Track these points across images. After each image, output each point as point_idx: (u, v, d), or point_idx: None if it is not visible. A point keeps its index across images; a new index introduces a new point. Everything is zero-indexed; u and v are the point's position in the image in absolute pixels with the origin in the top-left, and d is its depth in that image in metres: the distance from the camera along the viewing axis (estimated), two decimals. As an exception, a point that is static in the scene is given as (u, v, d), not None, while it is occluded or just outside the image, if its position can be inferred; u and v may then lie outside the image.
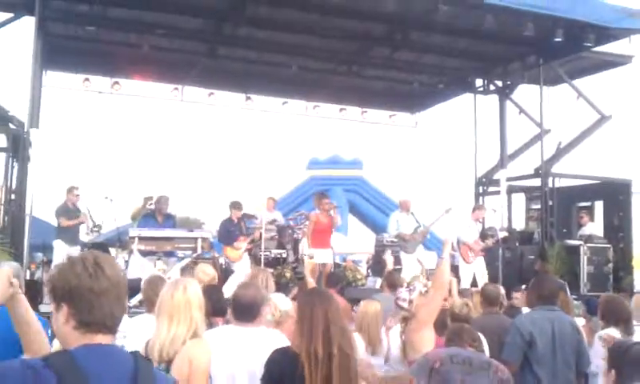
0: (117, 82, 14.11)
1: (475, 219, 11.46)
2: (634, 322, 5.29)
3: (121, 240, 10.85)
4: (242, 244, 11.06)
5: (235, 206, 11.33)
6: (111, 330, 1.87)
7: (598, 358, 4.85)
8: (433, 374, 3.62)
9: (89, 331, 1.83)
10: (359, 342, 5.22)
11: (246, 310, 4.16)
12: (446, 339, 4.15)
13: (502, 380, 3.84)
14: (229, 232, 11.14)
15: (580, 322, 6.27)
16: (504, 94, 14.46)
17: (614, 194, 13.32)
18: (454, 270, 10.86)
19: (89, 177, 13.94)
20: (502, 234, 11.85)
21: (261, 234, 11.72)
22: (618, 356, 3.11)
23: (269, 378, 3.40)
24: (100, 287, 1.83)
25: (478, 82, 15.00)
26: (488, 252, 11.28)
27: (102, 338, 1.84)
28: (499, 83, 14.57)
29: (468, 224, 11.30)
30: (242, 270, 10.72)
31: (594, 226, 13.01)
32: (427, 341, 4.40)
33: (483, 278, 10.65)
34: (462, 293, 8.11)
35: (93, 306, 1.82)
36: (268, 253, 12.22)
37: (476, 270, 10.97)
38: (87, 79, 13.99)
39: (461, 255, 11.10)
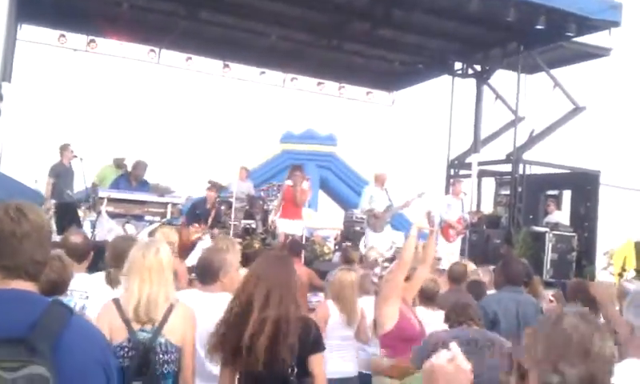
0: (93, 41, 13.84)
1: (455, 195, 11.49)
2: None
3: (89, 201, 10.69)
4: (199, 231, 10.84)
5: (212, 188, 11.14)
6: (33, 277, 1.87)
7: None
8: None
9: (8, 276, 1.83)
10: (334, 310, 5.27)
11: (207, 273, 4.18)
12: (446, 317, 4.19)
13: (504, 354, 3.94)
14: (194, 213, 10.99)
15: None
16: (482, 78, 14.54)
17: (582, 184, 13.53)
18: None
19: (61, 134, 13.64)
20: (477, 216, 11.99)
21: (230, 202, 11.66)
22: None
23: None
24: (22, 231, 1.83)
25: (457, 65, 15.06)
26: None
27: (20, 284, 1.84)
28: (478, 68, 14.64)
29: (448, 202, 11.33)
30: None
31: (561, 215, 13.21)
32: (389, 316, 4.46)
33: (454, 257, 10.75)
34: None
35: (15, 250, 1.82)
36: (237, 223, 12.19)
37: (453, 250, 11.03)
38: (63, 35, 13.70)
39: (442, 234, 11.12)
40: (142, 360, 3.28)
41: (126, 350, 3.30)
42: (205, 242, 10.78)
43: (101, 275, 4.51)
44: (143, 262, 3.43)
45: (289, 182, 11.02)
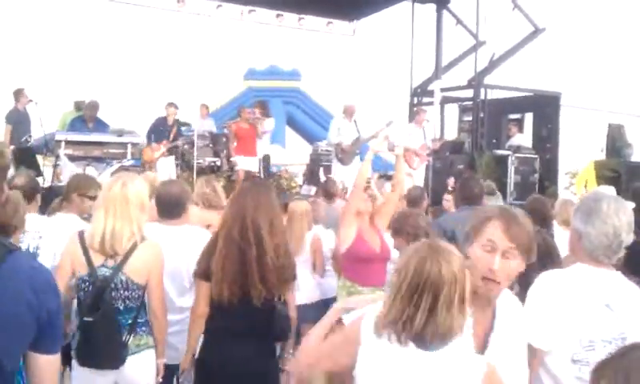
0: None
1: (417, 124, 11.49)
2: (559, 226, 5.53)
3: (48, 146, 10.47)
4: (161, 148, 10.79)
5: (171, 105, 11.04)
6: None
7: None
8: None
9: None
10: None
11: (169, 207, 4.13)
12: (407, 238, 4.24)
13: None
14: (157, 130, 10.91)
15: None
16: (442, 3, 14.36)
17: (543, 106, 13.65)
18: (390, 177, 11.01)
19: (11, 80, 13.22)
20: (439, 143, 12.03)
21: (193, 142, 11.56)
22: None
23: (201, 271, 3.44)
24: None
25: (417, -9, 14.83)
26: (419, 160, 11.46)
27: None
28: (437, -8, 14.44)
29: (409, 131, 11.34)
30: (164, 176, 10.58)
31: (523, 137, 13.36)
32: (343, 238, 4.58)
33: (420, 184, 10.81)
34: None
35: None
36: (201, 161, 12.09)
37: (416, 176, 11.09)
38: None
39: (407, 162, 11.15)
40: (97, 296, 3.27)
41: (87, 284, 3.28)
42: (167, 160, 10.83)
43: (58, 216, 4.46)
44: (108, 195, 3.38)
45: (237, 120, 11.09)
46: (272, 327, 3.37)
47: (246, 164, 10.95)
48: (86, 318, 3.25)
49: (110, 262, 3.31)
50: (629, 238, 2.53)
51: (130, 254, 3.32)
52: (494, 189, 9.38)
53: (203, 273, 3.40)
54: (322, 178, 11.59)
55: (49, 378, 1.98)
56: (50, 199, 5.24)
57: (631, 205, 2.76)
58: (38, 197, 4.54)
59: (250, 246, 3.30)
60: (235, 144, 11.06)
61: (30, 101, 10.47)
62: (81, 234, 3.38)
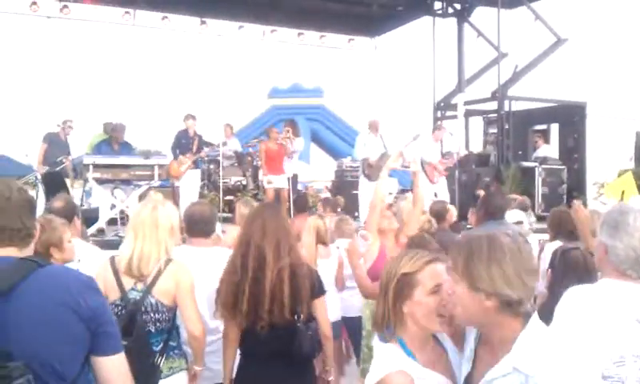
0: (66, 6, 13.57)
1: (435, 140, 11.47)
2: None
3: (76, 169, 10.66)
4: (187, 162, 10.90)
5: (188, 117, 11.13)
6: (15, 243, 1.99)
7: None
8: None
9: None
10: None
11: (198, 225, 4.16)
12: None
13: None
14: (181, 144, 11.01)
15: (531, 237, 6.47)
16: (462, 16, 14.37)
17: (569, 116, 13.53)
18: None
19: (41, 105, 13.51)
20: (463, 152, 11.98)
21: (218, 162, 11.67)
22: (555, 258, 3.22)
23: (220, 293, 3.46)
24: None
25: (437, 5, 14.86)
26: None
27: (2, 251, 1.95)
28: (458, 6, 14.45)
29: (429, 145, 11.32)
30: (189, 190, 10.68)
31: (549, 149, 13.25)
32: (367, 256, 4.57)
33: (445, 198, 10.78)
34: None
35: None
36: (227, 180, 12.20)
37: (438, 190, 11.06)
38: (34, 3, 13.41)
39: (426, 175, 11.14)
40: (130, 320, 3.30)
41: (120, 308, 3.32)
42: (194, 174, 10.97)
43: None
44: (137, 219, 3.44)
45: (265, 139, 11.18)
46: (295, 348, 3.37)
47: (275, 183, 11.04)
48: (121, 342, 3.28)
49: (140, 285, 3.34)
50: (658, 250, 2.49)
51: (158, 277, 3.34)
52: (527, 204, 9.33)
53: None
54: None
55: (118, 380, 2.04)
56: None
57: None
58: (77, 220, 4.59)
59: (245, 274, 3.34)
60: (265, 163, 11.15)
61: (71, 128, 10.87)
62: (112, 259, 3.43)
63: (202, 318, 3.72)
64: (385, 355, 2.22)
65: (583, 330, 2.44)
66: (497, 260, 1.94)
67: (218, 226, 4.66)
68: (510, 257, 1.94)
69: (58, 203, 4.64)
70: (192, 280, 3.46)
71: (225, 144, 12.06)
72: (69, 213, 4.50)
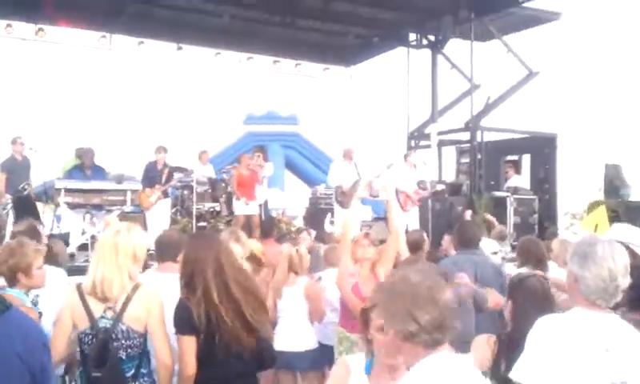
0: (41, 29, 13.50)
1: (410, 165, 11.51)
2: (555, 265, 5.51)
3: (47, 193, 10.50)
4: (156, 192, 10.80)
5: (159, 150, 11.07)
6: None
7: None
8: None
9: None
10: None
11: (166, 251, 4.15)
12: None
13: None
14: (148, 177, 10.93)
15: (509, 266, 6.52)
16: (436, 48, 14.59)
17: (540, 147, 13.75)
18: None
19: (15, 128, 13.34)
20: (440, 187, 12.06)
21: (192, 188, 11.62)
22: (514, 287, 3.25)
23: (184, 325, 3.38)
24: None
25: (412, 37, 15.09)
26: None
27: None
28: (432, 37, 14.69)
29: (403, 172, 11.36)
30: (158, 220, 10.56)
31: (520, 179, 13.43)
32: (338, 287, 4.58)
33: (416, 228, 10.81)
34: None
35: None
36: (201, 206, 12.13)
37: (409, 219, 11.10)
38: (9, 25, 13.32)
39: (399, 203, 11.16)
40: (102, 349, 3.25)
41: (90, 337, 3.27)
42: (164, 203, 10.87)
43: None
44: (99, 242, 3.43)
45: (237, 165, 11.22)
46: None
47: (245, 209, 11.05)
48: (94, 373, 3.22)
49: (109, 313, 3.29)
50: (625, 281, 2.54)
51: (128, 303, 3.30)
52: (505, 234, 9.42)
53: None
54: (327, 223, 11.62)
55: None
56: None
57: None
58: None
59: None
60: (237, 189, 11.19)
61: (30, 149, 10.49)
62: (78, 286, 3.38)
63: (171, 344, 3.67)
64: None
65: (553, 359, 2.47)
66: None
67: None
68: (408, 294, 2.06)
69: (19, 227, 4.61)
70: (162, 307, 3.43)
71: (191, 173, 11.91)
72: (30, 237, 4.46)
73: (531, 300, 3.13)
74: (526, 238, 6.29)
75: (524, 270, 4.91)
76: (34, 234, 4.56)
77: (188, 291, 3.34)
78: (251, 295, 3.40)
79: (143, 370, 3.39)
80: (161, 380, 3.45)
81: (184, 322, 3.31)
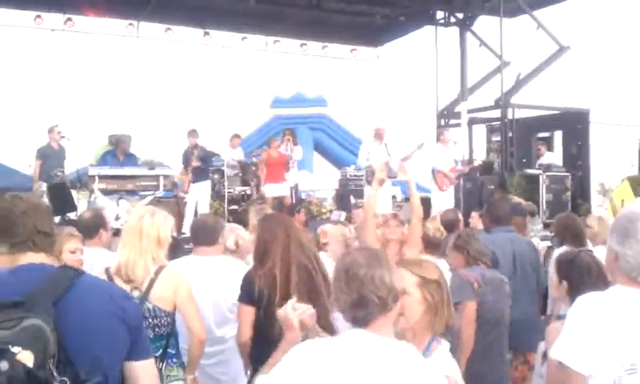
0: (70, 19, 13.66)
1: (444, 144, 11.40)
2: (591, 244, 5.45)
3: (81, 180, 10.67)
4: (188, 173, 10.92)
5: (190, 133, 11.15)
6: (42, 248, 2.00)
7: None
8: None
9: (18, 251, 1.98)
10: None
11: (201, 235, 4.20)
12: (467, 259, 4.28)
13: (508, 292, 4.19)
14: (186, 159, 11.05)
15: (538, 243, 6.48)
16: (464, 25, 14.41)
17: (572, 123, 13.53)
18: (426, 200, 11.01)
19: (46, 117, 13.56)
20: (476, 163, 11.95)
21: (223, 172, 11.70)
22: (566, 266, 3.21)
23: (245, 295, 3.43)
24: (19, 210, 1.98)
25: (439, 15, 14.92)
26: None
27: (31, 257, 1.97)
28: (460, 15, 14.50)
29: (437, 152, 11.26)
30: (194, 201, 10.60)
31: (553, 156, 13.24)
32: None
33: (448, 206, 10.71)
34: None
35: (17, 226, 1.97)
36: (232, 190, 12.22)
37: (446, 199, 11.00)
38: (39, 16, 13.50)
39: (436, 183, 11.09)
40: None
41: None
42: (204, 186, 10.92)
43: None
44: (126, 227, 3.51)
45: (266, 148, 11.22)
46: None
47: (275, 191, 11.09)
48: None
49: (136, 292, 3.35)
50: (669, 257, 2.49)
51: (153, 283, 3.37)
52: (535, 209, 9.31)
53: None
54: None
55: (152, 382, 2.09)
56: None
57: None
58: (103, 232, 4.63)
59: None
60: (265, 172, 11.21)
61: (63, 137, 10.66)
62: (107, 270, 3.46)
63: (208, 326, 3.73)
64: None
65: (595, 338, 2.45)
66: None
67: (232, 236, 4.67)
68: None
69: (86, 214, 4.75)
70: (189, 285, 3.48)
71: (234, 156, 12.03)
72: (92, 224, 4.57)
73: (587, 277, 3.09)
74: (563, 214, 6.24)
75: (564, 248, 4.87)
76: (98, 221, 4.69)
77: (257, 265, 3.42)
78: (311, 277, 3.41)
79: (171, 351, 3.45)
80: (193, 354, 3.51)
81: (245, 292, 3.40)
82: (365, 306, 2.07)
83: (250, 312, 3.36)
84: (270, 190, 11.17)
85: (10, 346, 1.69)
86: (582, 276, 3.10)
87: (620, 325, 2.44)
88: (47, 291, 1.84)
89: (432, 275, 2.57)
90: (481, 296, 4.03)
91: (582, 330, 2.48)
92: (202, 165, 10.74)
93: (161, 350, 3.39)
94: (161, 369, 3.35)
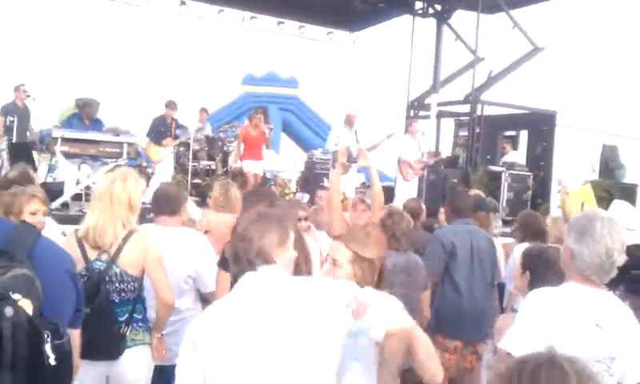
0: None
1: (412, 135, 11.48)
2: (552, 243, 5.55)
3: (43, 142, 10.45)
4: (169, 147, 10.88)
5: (170, 105, 11.08)
6: None
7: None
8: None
9: None
10: None
11: (162, 204, 4.16)
12: (390, 241, 4.27)
13: (423, 280, 4.13)
14: (158, 131, 10.94)
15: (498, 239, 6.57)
16: (442, 18, 14.47)
17: (538, 124, 13.73)
18: (389, 189, 11.09)
19: (13, 75, 13.20)
20: (440, 156, 12.05)
21: (188, 143, 11.59)
22: (533, 259, 3.27)
23: (222, 261, 3.51)
24: None
25: (418, 5, 14.94)
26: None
27: None
28: (438, 7, 14.55)
29: (407, 142, 11.34)
30: (164, 173, 10.65)
31: (517, 155, 13.44)
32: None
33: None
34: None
35: None
36: (196, 164, 12.11)
37: (410, 189, 11.10)
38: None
39: (401, 173, 11.19)
40: (94, 289, 3.29)
41: (85, 278, 3.31)
42: (165, 167, 10.91)
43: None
44: (96, 191, 3.46)
45: (247, 123, 11.10)
46: None
47: (253, 168, 11.07)
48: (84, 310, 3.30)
49: (104, 256, 3.35)
50: (621, 258, 2.55)
51: (122, 247, 3.36)
52: (496, 206, 9.45)
53: None
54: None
55: (77, 352, 2.15)
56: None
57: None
58: None
59: None
60: (242, 148, 11.16)
61: (28, 96, 10.44)
62: (75, 232, 3.44)
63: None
64: None
65: (544, 331, 2.50)
66: None
67: (197, 210, 4.63)
68: None
69: (13, 173, 4.63)
70: (159, 250, 3.46)
71: (201, 130, 11.99)
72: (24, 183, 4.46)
73: (551, 272, 3.15)
74: (526, 212, 6.34)
75: (525, 245, 4.96)
76: (27, 180, 4.56)
77: None
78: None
79: (137, 316, 3.45)
80: (160, 317, 3.51)
81: (222, 258, 3.46)
82: (238, 262, 2.20)
83: (226, 277, 3.36)
84: (248, 167, 11.14)
85: (10, 293, 1.73)
86: (547, 270, 3.16)
87: (570, 321, 2.50)
88: (19, 243, 1.88)
89: (367, 254, 2.57)
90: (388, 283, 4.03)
91: (531, 323, 2.53)
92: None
93: (127, 315, 3.39)
94: (126, 333, 3.35)
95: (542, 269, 3.20)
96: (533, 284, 3.16)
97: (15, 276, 1.77)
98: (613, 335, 2.48)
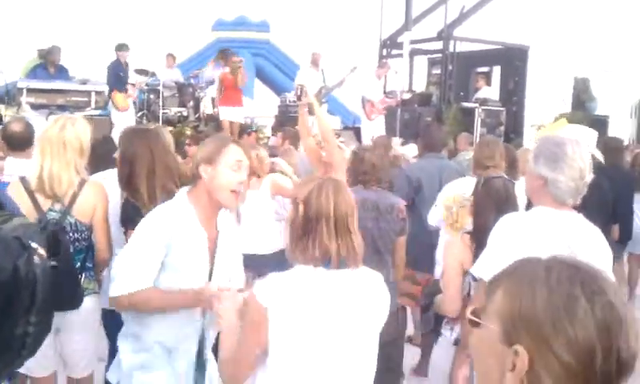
0: None
1: (378, 77, 11.50)
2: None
3: (9, 94, 10.20)
4: (133, 92, 10.67)
5: (122, 47, 10.77)
6: None
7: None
8: None
9: None
10: None
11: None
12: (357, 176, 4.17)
13: (403, 219, 4.04)
14: (117, 76, 10.68)
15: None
16: (413, -47, 14.20)
17: (511, 59, 13.72)
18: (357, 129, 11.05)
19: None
20: (406, 96, 12.02)
21: (158, 90, 11.40)
22: (478, 186, 3.27)
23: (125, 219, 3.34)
24: None
25: (389, -61, 14.64)
26: (388, 112, 11.49)
27: None
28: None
29: (371, 82, 11.33)
30: (126, 121, 10.42)
31: (490, 90, 13.45)
32: None
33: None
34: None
35: None
36: (167, 111, 11.94)
37: (376, 128, 11.11)
38: None
39: (365, 112, 11.22)
40: (54, 239, 3.21)
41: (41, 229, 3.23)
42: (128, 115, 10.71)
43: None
44: (44, 136, 3.28)
45: (226, 69, 10.81)
46: None
47: (231, 114, 10.82)
48: (51, 263, 3.21)
49: (57, 206, 3.24)
50: (590, 177, 2.56)
51: (76, 197, 3.25)
52: (472, 141, 9.51)
53: None
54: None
55: None
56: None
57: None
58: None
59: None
60: (222, 93, 10.86)
61: None
62: (22, 180, 3.26)
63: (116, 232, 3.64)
64: None
65: (516, 256, 2.51)
66: None
67: None
68: None
69: (17, 126, 4.50)
70: (107, 197, 3.39)
71: (154, 75, 11.67)
72: (23, 138, 4.33)
73: (493, 199, 3.13)
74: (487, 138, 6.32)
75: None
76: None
77: (131, 193, 3.26)
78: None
79: (89, 264, 3.39)
80: (95, 272, 3.47)
81: (131, 220, 3.19)
82: None
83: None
84: (225, 113, 10.87)
85: (31, 242, 1.80)
86: (487, 197, 3.15)
87: (541, 243, 2.50)
88: None
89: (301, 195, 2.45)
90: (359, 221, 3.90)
91: (502, 248, 2.54)
92: None
93: (79, 263, 3.32)
94: (82, 282, 3.31)
95: (482, 196, 3.20)
96: (475, 211, 3.19)
97: (23, 224, 1.90)
98: (585, 256, 2.49)
